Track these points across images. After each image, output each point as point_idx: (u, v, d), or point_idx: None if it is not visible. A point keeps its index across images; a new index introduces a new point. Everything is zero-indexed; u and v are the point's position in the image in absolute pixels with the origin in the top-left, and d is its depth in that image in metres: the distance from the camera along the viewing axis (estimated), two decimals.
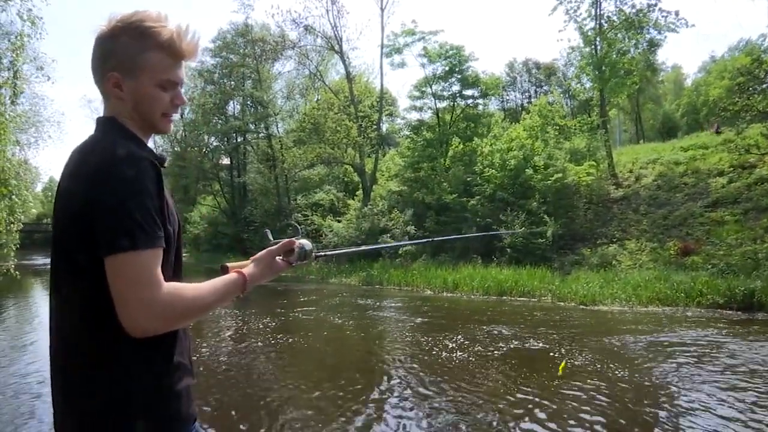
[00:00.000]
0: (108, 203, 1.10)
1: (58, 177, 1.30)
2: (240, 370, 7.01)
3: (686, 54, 68.05)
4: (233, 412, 5.31)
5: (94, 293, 1.11)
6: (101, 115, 1.31)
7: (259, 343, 8.61)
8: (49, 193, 48.56)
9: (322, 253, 1.72)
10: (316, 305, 12.90)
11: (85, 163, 1.17)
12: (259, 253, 1.41)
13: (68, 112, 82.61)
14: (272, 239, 1.49)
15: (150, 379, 1.18)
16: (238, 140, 36.90)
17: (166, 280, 1.14)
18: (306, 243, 1.47)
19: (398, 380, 6.25)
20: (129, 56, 1.22)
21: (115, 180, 1.11)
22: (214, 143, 37.87)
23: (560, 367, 6.40)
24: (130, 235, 1.08)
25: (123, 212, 1.09)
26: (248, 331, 9.73)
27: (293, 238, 1.47)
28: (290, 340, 8.97)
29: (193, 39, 1.28)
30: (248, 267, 1.36)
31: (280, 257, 1.45)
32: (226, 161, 38.61)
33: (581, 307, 10.99)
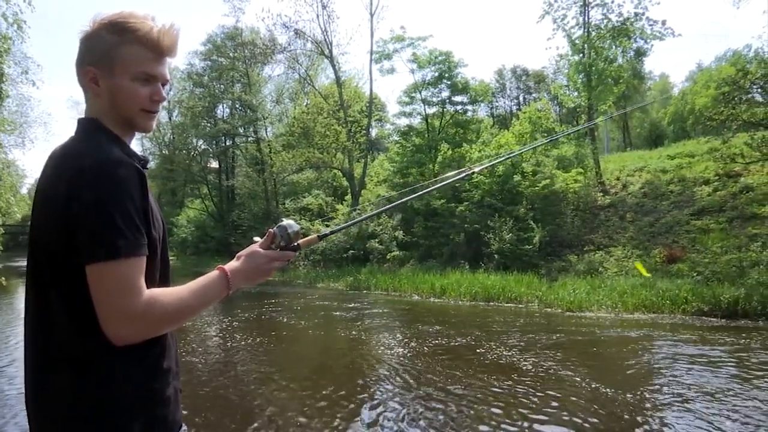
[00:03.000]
0: (90, 209, 1.06)
1: None
2: (223, 373, 6.95)
3: (673, 63, 68.87)
4: (219, 418, 5.23)
5: (80, 296, 1.08)
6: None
7: (243, 347, 8.53)
8: None
9: (327, 231, 1.69)
10: (301, 309, 12.81)
11: (66, 166, 1.13)
12: (243, 250, 1.34)
13: (55, 112, 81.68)
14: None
15: (139, 384, 1.15)
16: (227, 143, 36.84)
17: (153, 285, 1.12)
18: (289, 223, 1.36)
19: (381, 385, 6.21)
20: (105, 50, 1.20)
21: (97, 184, 1.07)
22: (203, 146, 37.81)
23: (641, 270, 7.99)
24: (111, 243, 1.06)
25: (105, 219, 1.06)
26: (232, 334, 9.63)
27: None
28: (274, 344, 8.90)
29: (171, 33, 1.25)
30: (230, 262, 1.31)
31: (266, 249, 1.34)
32: (214, 164, 38.53)
33: (567, 313, 11.01)
